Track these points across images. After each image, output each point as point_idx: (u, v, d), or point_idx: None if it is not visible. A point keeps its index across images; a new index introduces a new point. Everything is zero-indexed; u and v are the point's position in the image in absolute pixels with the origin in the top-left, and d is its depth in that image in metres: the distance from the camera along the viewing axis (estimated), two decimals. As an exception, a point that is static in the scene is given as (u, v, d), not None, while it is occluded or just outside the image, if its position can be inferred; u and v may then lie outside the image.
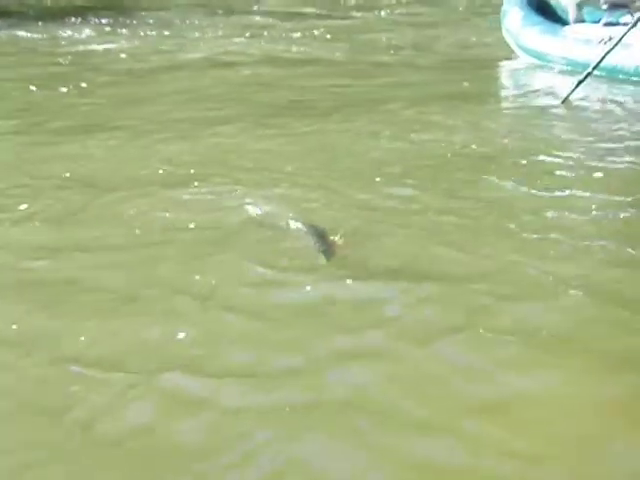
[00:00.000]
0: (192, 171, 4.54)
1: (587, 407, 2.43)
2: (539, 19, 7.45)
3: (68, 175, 4.55)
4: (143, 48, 9.05)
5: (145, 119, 5.86)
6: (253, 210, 3.88)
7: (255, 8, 12.38)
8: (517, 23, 7.52)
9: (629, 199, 3.97)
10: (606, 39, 6.46)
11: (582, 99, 6.13)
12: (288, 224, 3.65)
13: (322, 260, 3.29)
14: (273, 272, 3.25)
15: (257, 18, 11.26)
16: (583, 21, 7.18)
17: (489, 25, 8.97)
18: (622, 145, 4.98)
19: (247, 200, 4.00)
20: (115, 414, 2.42)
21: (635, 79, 6.44)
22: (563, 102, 6.02)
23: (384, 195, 4.10)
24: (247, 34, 9.79)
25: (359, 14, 11.50)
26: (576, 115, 5.91)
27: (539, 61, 7.35)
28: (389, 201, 4.04)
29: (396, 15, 11.09)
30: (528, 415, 2.38)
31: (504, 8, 7.84)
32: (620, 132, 5.28)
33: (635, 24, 6.22)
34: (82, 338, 2.81)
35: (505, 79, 7.48)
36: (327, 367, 2.63)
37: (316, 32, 9.73)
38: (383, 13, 11.28)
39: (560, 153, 4.77)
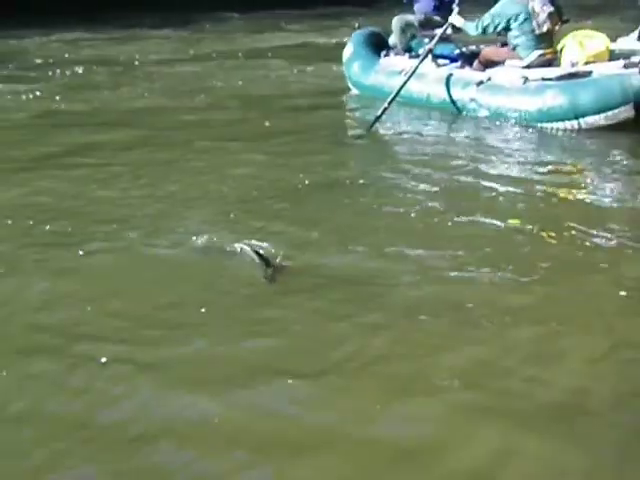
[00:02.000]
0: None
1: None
2: (364, 53, 7.77)
3: None
4: None
5: None
6: None
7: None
8: (347, 57, 7.90)
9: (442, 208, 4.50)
10: (406, 70, 6.88)
11: (387, 127, 6.59)
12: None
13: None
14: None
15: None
16: (410, 50, 7.50)
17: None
18: (426, 163, 5.51)
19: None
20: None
21: (428, 106, 6.97)
22: (368, 130, 6.37)
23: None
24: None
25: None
26: (377, 141, 6.37)
27: (361, 93, 7.77)
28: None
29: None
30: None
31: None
32: (419, 155, 5.77)
33: (426, 56, 6.82)
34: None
35: (340, 112, 7.64)
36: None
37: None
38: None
39: (361, 178, 5.19)
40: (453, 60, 7.11)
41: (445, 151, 5.88)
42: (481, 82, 6.63)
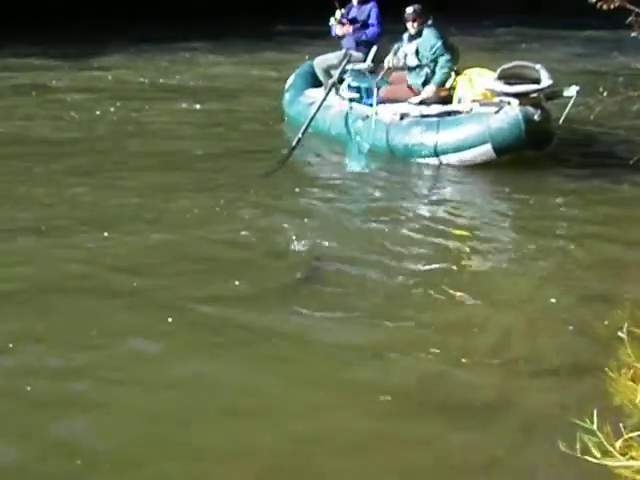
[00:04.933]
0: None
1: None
2: (299, 83, 7.90)
3: None
4: None
5: None
6: None
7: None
8: (286, 87, 8.05)
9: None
10: (316, 101, 6.95)
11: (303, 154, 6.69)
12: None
13: None
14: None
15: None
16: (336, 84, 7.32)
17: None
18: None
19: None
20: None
21: (329, 138, 7.04)
22: (282, 164, 6.22)
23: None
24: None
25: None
26: (295, 171, 6.32)
27: (289, 121, 7.84)
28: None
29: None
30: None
31: None
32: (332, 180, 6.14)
33: (331, 89, 6.93)
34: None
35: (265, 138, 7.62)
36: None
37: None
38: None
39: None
40: None
41: (346, 188, 6.02)
42: (367, 117, 6.73)
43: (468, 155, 6.14)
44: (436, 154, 6.23)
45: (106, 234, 4.88)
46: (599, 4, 4.92)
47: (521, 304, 4.03)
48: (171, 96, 9.60)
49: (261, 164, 6.30)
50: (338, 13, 7.39)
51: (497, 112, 6.05)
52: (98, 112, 8.52)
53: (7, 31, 13.58)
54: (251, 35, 14.83)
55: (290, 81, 8.08)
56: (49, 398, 3.20)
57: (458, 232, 5.04)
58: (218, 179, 6.13)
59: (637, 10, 4.86)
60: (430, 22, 6.81)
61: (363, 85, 7.04)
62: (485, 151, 6.06)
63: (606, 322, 3.66)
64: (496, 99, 6.18)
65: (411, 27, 6.83)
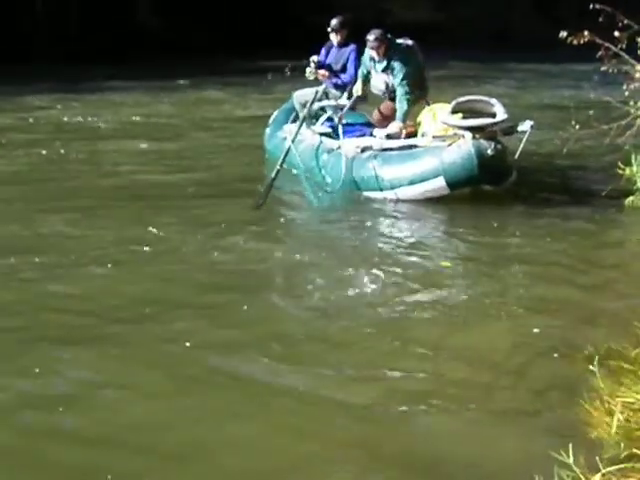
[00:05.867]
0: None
1: None
2: (281, 118, 7.85)
3: None
4: None
5: None
6: None
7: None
8: (269, 122, 8.01)
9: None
10: (289, 136, 6.93)
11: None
12: None
13: None
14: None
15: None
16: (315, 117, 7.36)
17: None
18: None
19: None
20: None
21: (300, 171, 6.78)
22: (259, 206, 6.10)
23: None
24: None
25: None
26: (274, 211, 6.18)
27: (268, 156, 7.74)
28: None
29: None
30: None
31: None
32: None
33: (302, 123, 6.93)
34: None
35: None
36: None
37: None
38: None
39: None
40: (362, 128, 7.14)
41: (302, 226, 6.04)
42: (331, 150, 6.73)
43: (422, 188, 6.12)
44: (392, 187, 6.21)
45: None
46: (569, 39, 4.96)
47: (482, 346, 3.92)
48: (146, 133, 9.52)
49: (241, 199, 6.30)
50: (315, 57, 7.34)
51: (450, 145, 6.05)
52: (62, 150, 8.36)
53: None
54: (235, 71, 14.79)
55: (273, 117, 8.05)
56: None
57: (411, 272, 4.89)
58: (203, 214, 6.04)
59: (607, 44, 4.90)
60: (403, 46, 6.80)
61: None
62: (438, 185, 6.04)
63: (578, 355, 3.63)
64: (450, 133, 6.18)
65: (376, 54, 6.78)
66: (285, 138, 7.18)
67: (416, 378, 3.58)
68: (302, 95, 7.62)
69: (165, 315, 4.24)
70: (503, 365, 3.67)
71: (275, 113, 8.09)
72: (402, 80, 6.66)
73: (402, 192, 6.18)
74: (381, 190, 6.28)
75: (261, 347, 3.82)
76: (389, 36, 6.78)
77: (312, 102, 7.10)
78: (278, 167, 6.42)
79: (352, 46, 7.31)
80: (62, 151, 8.34)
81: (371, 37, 6.72)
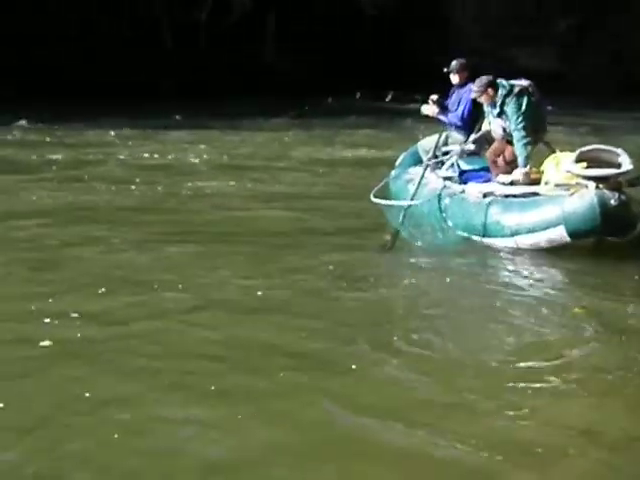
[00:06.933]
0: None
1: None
2: (408, 161, 7.93)
3: None
4: None
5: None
6: None
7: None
8: (396, 164, 8.11)
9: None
10: (414, 180, 7.08)
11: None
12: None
13: None
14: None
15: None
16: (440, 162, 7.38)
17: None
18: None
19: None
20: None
21: (423, 213, 6.81)
22: (390, 247, 6.38)
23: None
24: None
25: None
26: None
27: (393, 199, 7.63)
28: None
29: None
30: None
31: None
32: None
33: (426, 168, 7.02)
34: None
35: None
36: None
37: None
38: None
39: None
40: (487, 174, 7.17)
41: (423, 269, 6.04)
42: (454, 194, 6.80)
43: (542, 237, 6.10)
44: (511, 234, 6.23)
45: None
46: None
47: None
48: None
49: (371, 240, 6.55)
50: (434, 97, 7.56)
51: (572, 194, 6.02)
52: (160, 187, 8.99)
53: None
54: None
55: (399, 159, 8.21)
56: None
57: (546, 329, 4.71)
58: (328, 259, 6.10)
59: None
60: (517, 88, 6.75)
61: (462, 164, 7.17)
62: (559, 234, 6.00)
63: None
64: (574, 182, 6.15)
65: (484, 101, 6.87)
66: (410, 180, 7.32)
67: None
68: (428, 142, 7.80)
69: (292, 370, 4.11)
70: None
71: (402, 156, 8.22)
72: (517, 125, 6.67)
73: (521, 240, 6.19)
74: (501, 237, 6.30)
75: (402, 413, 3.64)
76: (498, 81, 6.81)
77: (435, 147, 7.25)
78: (404, 211, 6.59)
79: (469, 86, 7.27)
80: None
81: (474, 86, 6.86)
